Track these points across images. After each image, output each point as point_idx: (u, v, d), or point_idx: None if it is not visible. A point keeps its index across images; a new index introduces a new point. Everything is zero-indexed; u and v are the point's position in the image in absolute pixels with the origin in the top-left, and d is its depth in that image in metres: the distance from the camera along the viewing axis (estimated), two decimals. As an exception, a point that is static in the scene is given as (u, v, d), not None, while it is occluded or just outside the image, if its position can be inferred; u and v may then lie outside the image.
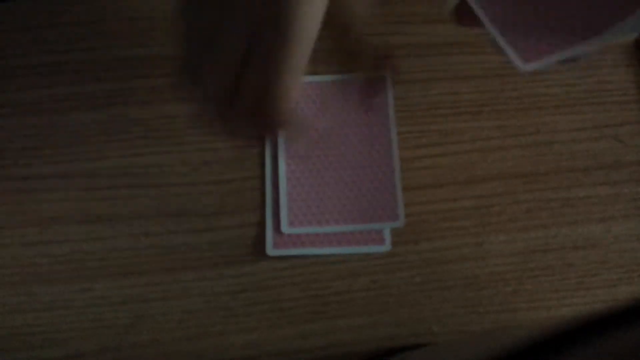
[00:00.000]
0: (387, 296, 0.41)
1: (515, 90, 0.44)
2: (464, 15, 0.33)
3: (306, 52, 0.30)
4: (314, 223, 0.41)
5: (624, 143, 0.44)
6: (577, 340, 0.18)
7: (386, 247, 0.41)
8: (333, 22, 0.35)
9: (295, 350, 0.40)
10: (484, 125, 0.43)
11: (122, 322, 0.40)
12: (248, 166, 0.42)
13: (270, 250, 0.41)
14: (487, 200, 0.42)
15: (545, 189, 0.43)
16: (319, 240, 0.41)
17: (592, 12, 0.31)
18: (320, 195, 0.42)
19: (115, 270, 0.40)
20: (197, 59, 0.31)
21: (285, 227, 0.41)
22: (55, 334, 0.39)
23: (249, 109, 0.31)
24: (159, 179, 0.42)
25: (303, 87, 0.43)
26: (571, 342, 0.18)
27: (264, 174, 0.42)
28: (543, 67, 0.32)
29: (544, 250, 0.42)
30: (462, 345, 0.40)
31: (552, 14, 0.32)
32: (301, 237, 0.41)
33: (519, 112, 0.44)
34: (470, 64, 0.44)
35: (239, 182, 0.42)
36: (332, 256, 0.41)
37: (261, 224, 0.41)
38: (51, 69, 0.43)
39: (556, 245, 0.42)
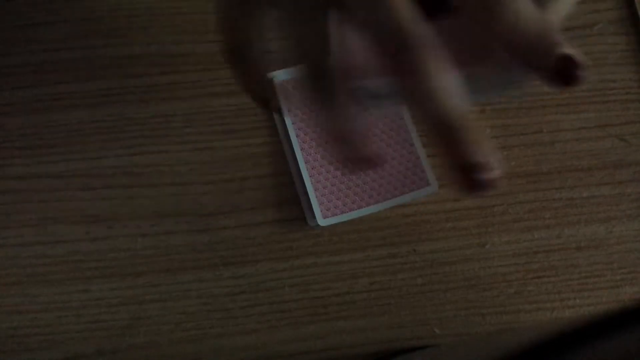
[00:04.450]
0: (388, 298, 0.40)
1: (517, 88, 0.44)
2: None
3: None
4: (346, 210, 0.41)
5: (628, 142, 0.43)
6: (580, 342, 0.18)
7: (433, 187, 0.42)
8: None
9: (295, 352, 0.40)
10: (486, 124, 0.43)
11: (119, 323, 0.39)
12: (246, 166, 0.42)
13: (321, 221, 0.41)
14: (489, 200, 0.42)
15: (548, 188, 0.42)
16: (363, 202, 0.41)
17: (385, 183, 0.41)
18: (346, 181, 0.41)
19: (112, 271, 0.40)
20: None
21: (320, 220, 0.40)
22: (52, 336, 0.39)
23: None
24: (156, 179, 0.41)
25: None
26: (575, 344, 0.18)
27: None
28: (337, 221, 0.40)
29: (547, 250, 0.41)
30: (464, 347, 0.40)
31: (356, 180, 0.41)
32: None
33: (522, 111, 0.43)
34: (472, 63, 0.44)
35: (238, 182, 0.41)
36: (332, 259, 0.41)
37: (260, 224, 0.41)
38: (47, 67, 0.43)
39: (559, 246, 0.41)
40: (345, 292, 0.40)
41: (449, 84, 0.22)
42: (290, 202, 0.41)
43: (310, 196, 0.41)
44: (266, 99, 0.36)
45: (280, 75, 0.42)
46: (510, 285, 0.41)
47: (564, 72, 0.22)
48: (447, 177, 0.41)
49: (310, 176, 0.41)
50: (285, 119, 0.42)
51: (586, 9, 0.45)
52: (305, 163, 0.42)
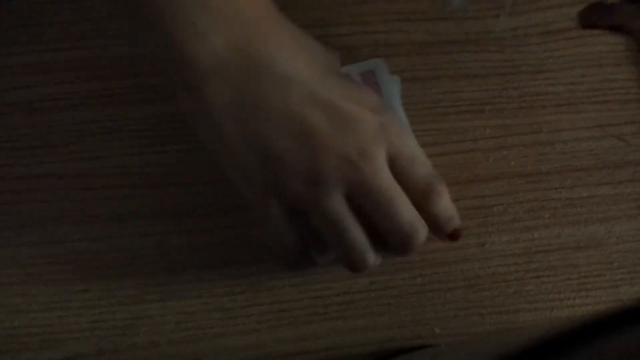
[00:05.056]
0: (388, 297, 0.40)
1: (517, 88, 0.44)
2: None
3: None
4: None
5: (627, 142, 0.43)
6: (579, 342, 0.18)
7: None
8: None
9: (295, 352, 0.40)
10: (486, 124, 0.43)
11: (119, 323, 0.39)
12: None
13: None
14: (489, 200, 0.42)
15: (547, 188, 0.42)
16: None
17: None
18: None
19: (112, 271, 0.40)
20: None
21: None
22: (53, 335, 0.39)
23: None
24: (156, 179, 0.41)
25: None
26: (574, 344, 0.18)
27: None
28: None
29: (546, 250, 0.41)
30: (464, 346, 0.40)
31: None
32: None
33: (521, 110, 0.43)
34: (472, 62, 0.44)
35: (238, 182, 0.41)
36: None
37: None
38: (48, 67, 0.43)
39: (558, 246, 0.42)
40: (345, 292, 0.40)
41: None
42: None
43: None
44: None
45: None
46: (509, 285, 0.41)
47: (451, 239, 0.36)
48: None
49: None
50: None
51: (586, 9, 0.45)
52: None
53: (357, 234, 0.34)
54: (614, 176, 0.43)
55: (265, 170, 0.32)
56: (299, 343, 0.40)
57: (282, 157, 0.32)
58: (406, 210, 0.33)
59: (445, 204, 0.35)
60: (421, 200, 0.34)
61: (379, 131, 0.33)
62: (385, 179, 0.33)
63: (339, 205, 0.33)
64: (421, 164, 0.34)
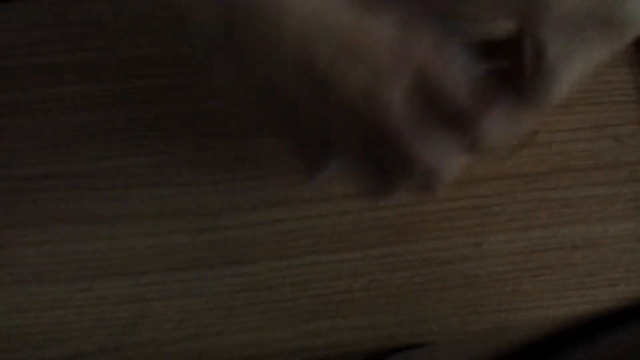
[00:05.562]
0: (387, 296, 0.41)
1: (514, 90, 0.44)
2: None
3: None
4: None
5: (623, 143, 0.44)
6: (576, 340, 0.19)
7: None
8: None
9: (295, 350, 0.40)
10: (484, 125, 0.43)
11: (121, 322, 0.40)
12: (248, 166, 0.42)
13: None
14: (486, 200, 0.42)
15: (544, 188, 0.43)
16: None
17: None
18: None
19: (115, 270, 0.40)
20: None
21: None
22: (55, 334, 0.39)
23: None
24: (159, 179, 0.42)
25: None
26: (571, 342, 0.19)
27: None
28: None
29: (544, 250, 0.42)
30: (462, 345, 0.40)
31: None
32: None
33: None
34: (470, 64, 0.44)
35: (239, 182, 0.42)
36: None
37: (261, 223, 0.41)
38: (51, 69, 0.43)
39: (555, 245, 0.42)
40: (345, 291, 0.41)
41: None
42: (292, 201, 0.42)
43: None
44: None
45: None
46: (507, 284, 0.41)
47: None
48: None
49: None
50: None
51: (582, 12, 0.45)
52: None
53: (369, 173, 0.31)
54: (610, 177, 0.43)
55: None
56: (299, 341, 0.40)
57: (287, 98, 0.28)
58: (422, 152, 0.28)
59: (492, 124, 0.29)
60: (462, 126, 0.29)
61: (396, 57, 0.27)
62: (396, 121, 0.27)
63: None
64: (457, 86, 0.28)
